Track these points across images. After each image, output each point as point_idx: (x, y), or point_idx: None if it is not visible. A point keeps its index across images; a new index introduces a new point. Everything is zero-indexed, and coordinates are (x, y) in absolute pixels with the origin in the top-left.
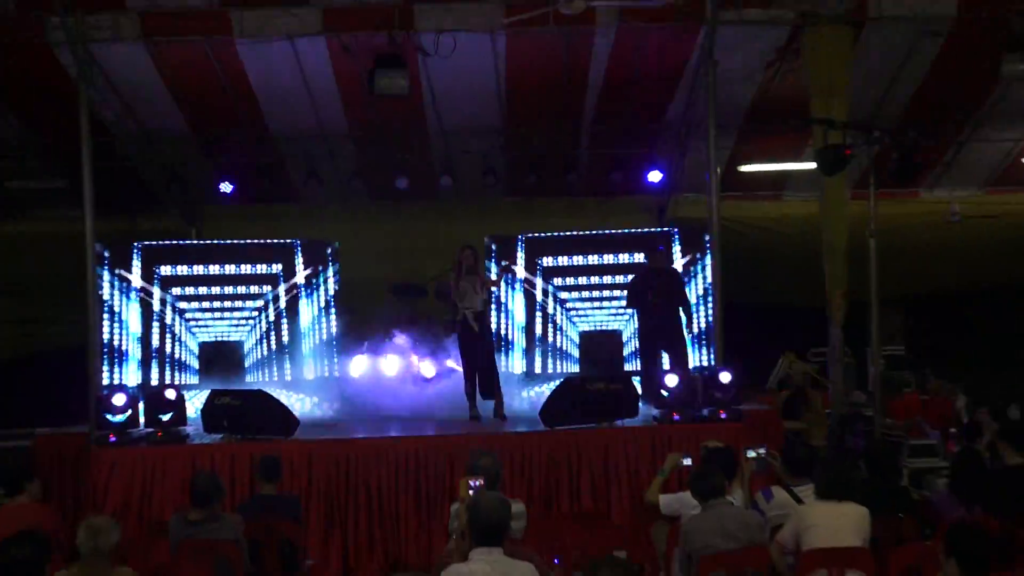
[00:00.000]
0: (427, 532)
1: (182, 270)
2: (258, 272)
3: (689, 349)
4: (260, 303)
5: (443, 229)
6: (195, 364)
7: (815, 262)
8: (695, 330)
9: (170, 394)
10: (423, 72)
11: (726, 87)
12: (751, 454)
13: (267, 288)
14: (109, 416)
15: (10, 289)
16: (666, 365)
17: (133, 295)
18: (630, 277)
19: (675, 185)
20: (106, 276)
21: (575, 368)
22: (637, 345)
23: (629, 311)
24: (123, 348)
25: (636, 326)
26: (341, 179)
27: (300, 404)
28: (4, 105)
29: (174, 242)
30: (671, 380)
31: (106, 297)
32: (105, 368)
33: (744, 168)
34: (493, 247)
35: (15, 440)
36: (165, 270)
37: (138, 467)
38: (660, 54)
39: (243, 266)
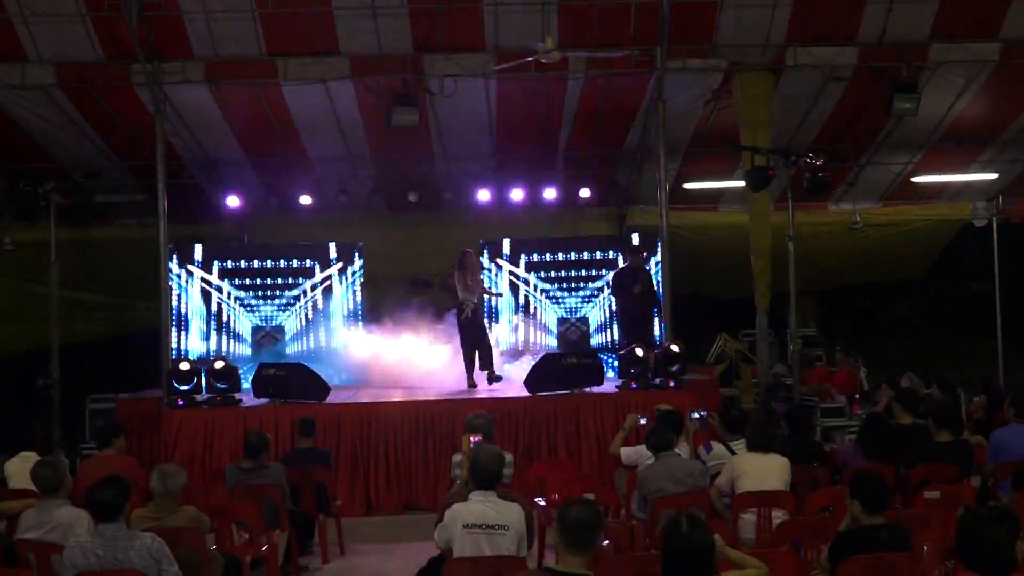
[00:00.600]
0: (435, 477)
1: (237, 266)
2: (297, 267)
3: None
4: (299, 291)
5: (445, 234)
6: (248, 340)
7: (745, 261)
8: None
9: (225, 367)
10: (430, 108)
11: (673, 120)
12: (695, 415)
13: (305, 281)
14: (177, 384)
15: (103, 281)
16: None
17: (197, 286)
18: (610, 273)
19: (632, 199)
20: (175, 270)
21: (553, 344)
22: (618, 326)
23: (607, 299)
24: (190, 328)
25: (616, 311)
26: (364, 193)
27: (331, 374)
28: (96, 134)
29: (231, 245)
30: (640, 352)
31: (176, 288)
32: (175, 344)
33: (688, 185)
34: (486, 249)
35: (105, 403)
36: (225, 265)
37: (200, 426)
38: (620, 94)
39: (286, 262)
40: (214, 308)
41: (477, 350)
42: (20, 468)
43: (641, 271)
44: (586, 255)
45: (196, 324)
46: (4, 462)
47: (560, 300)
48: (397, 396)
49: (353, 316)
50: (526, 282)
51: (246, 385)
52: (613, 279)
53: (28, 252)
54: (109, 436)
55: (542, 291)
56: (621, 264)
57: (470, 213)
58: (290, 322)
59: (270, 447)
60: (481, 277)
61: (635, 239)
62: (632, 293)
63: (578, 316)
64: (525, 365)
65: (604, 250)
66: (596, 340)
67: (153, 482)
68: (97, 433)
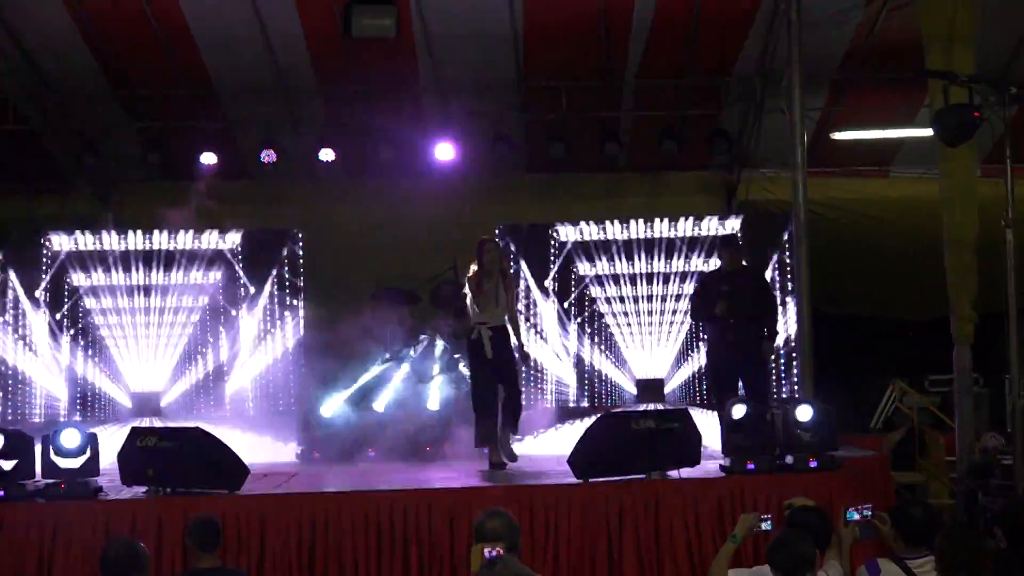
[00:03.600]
0: None
1: (93, 264)
2: (196, 273)
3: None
4: (196, 313)
5: (441, 215)
6: (112, 394)
7: (932, 260)
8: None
9: (73, 435)
10: (414, 8)
11: (814, 31)
12: (852, 516)
13: (205, 295)
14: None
15: None
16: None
17: (30, 302)
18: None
19: (748, 158)
20: None
21: (623, 400)
22: (705, 371)
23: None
24: (19, 372)
25: (705, 347)
26: (307, 149)
27: (250, 446)
28: None
29: (85, 232)
30: (738, 412)
31: None
32: None
33: (838, 136)
34: (509, 243)
35: None
36: (77, 277)
37: (34, 530)
38: None
39: (176, 270)
40: (58, 336)
41: (496, 405)
42: None
43: (738, 277)
44: (668, 247)
45: (28, 365)
46: None
47: (622, 325)
48: (359, 481)
49: (286, 351)
50: (581, 305)
51: (109, 463)
52: (692, 295)
53: None
54: None
55: (598, 315)
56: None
57: (479, 181)
58: (182, 363)
59: (147, 567)
60: (518, 288)
61: (729, 225)
62: (714, 315)
63: (650, 352)
64: (566, 432)
65: (699, 242)
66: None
67: None
68: None
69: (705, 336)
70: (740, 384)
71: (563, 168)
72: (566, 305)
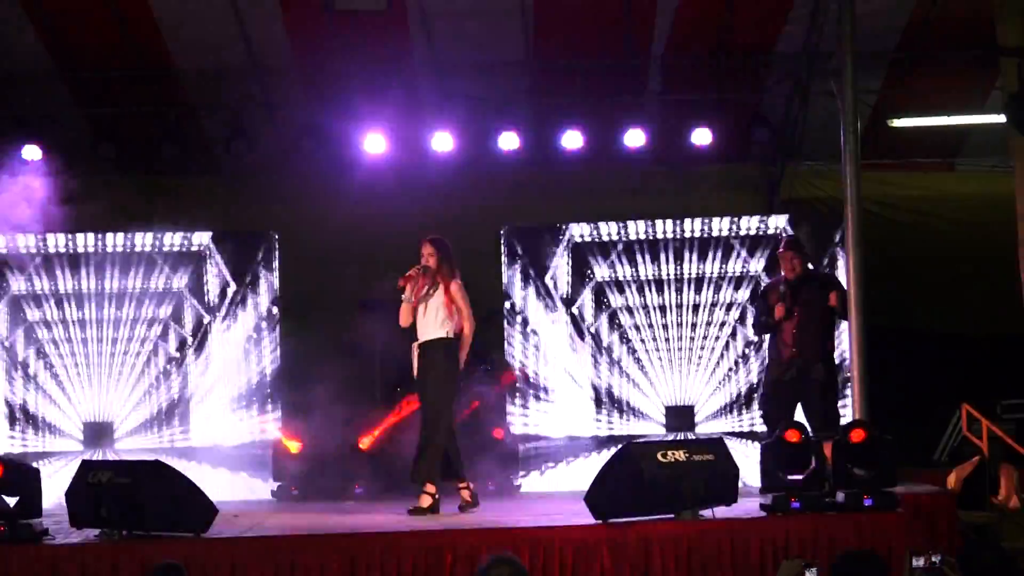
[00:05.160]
0: None
1: (40, 283)
2: (157, 281)
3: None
4: (156, 329)
5: (439, 214)
6: (57, 421)
7: (1004, 266)
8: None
9: (15, 469)
10: None
11: (869, 2)
12: (917, 564)
13: (167, 307)
14: None
15: None
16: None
17: None
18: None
19: (792, 149)
20: None
21: (651, 428)
22: (761, 394)
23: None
24: None
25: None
26: (283, 139)
27: (218, 483)
28: None
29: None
30: (787, 440)
31: None
32: None
33: (896, 123)
34: (516, 245)
35: None
36: (16, 285)
37: None
38: None
39: (133, 277)
40: None
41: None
42: None
43: (805, 283)
44: (700, 251)
45: None
46: None
47: (647, 341)
48: (341, 521)
49: (259, 372)
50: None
51: (53, 502)
52: (756, 306)
53: None
54: None
55: (611, 319)
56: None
57: (481, 174)
58: (138, 386)
59: None
60: (451, 288)
61: (772, 225)
62: (769, 323)
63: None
64: (581, 466)
65: (734, 245)
66: (712, 418)
67: None
68: None
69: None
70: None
71: (578, 160)
72: (581, 319)
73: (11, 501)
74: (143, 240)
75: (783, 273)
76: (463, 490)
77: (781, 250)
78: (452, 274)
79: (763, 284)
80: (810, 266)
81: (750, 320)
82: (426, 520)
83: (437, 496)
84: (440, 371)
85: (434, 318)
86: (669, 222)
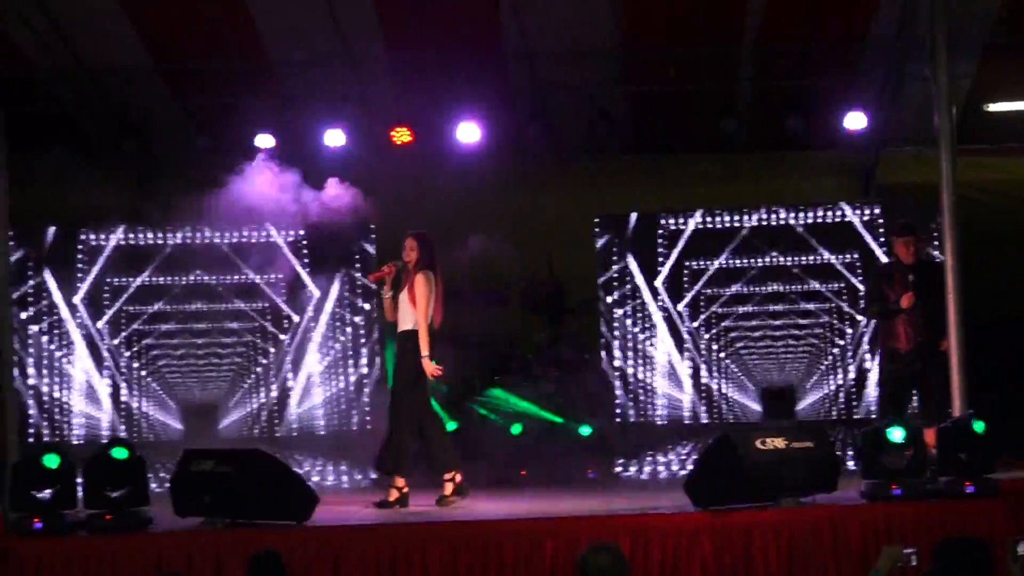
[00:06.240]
0: None
1: (143, 277)
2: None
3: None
4: (258, 320)
5: (532, 204)
6: (162, 413)
7: None
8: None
9: (121, 455)
10: None
11: None
12: (1020, 550)
13: (267, 299)
14: (34, 491)
15: None
16: None
17: (68, 308)
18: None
19: (886, 135)
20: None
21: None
22: (881, 381)
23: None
24: (52, 390)
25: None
26: (376, 129)
27: (320, 471)
28: None
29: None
30: (896, 428)
31: (27, 313)
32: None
33: (993, 107)
34: (610, 234)
35: None
36: (120, 280)
37: (77, 567)
38: None
39: (231, 269)
40: (99, 348)
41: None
42: None
43: (921, 269)
44: (795, 237)
45: (64, 381)
46: None
47: (743, 330)
48: (442, 512)
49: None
50: (675, 291)
51: (157, 490)
52: (867, 290)
53: None
54: None
55: (709, 307)
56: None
57: (576, 164)
58: (240, 376)
59: None
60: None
61: (867, 212)
62: (893, 308)
63: (778, 360)
64: (681, 454)
65: (829, 234)
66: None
67: None
68: None
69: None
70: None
71: (672, 148)
72: (679, 308)
73: (120, 491)
74: (242, 234)
75: (900, 258)
76: (447, 482)
77: (898, 235)
78: (425, 266)
79: (876, 269)
80: (929, 251)
81: (844, 306)
82: (524, 509)
83: (405, 490)
84: (406, 363)
85: (406, 310)
86: (764, 208)
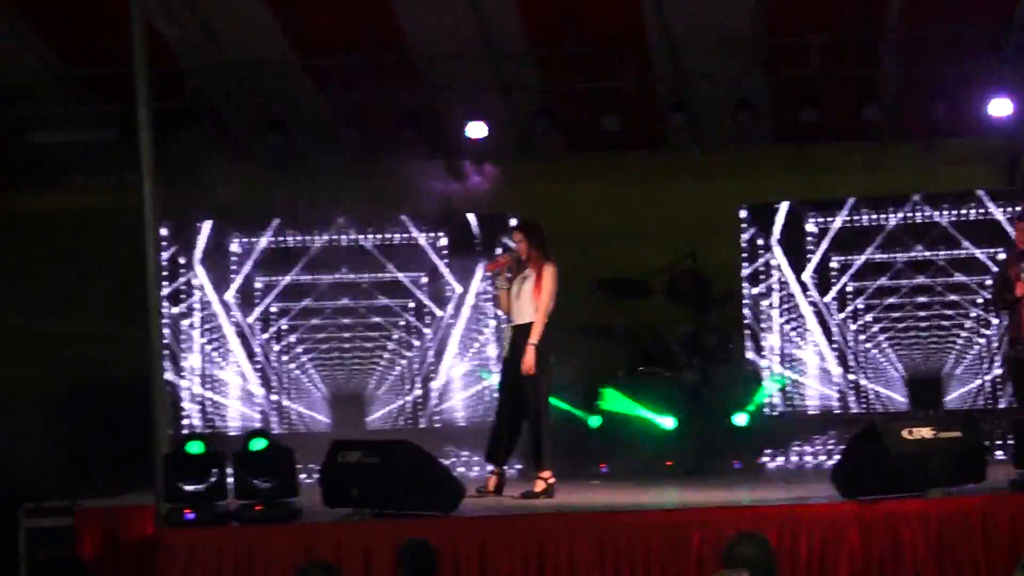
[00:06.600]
0: None
1: (291, 274)
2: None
3: None
4: (403, 316)
5: (674, 194)
6: (309, 405)
7: None
8: None
9: (271, 449)
10: None
11: None
12: None
13: (408, 297)
14: (184, 483)
15: (43, 294)
16: None
17: (221, 304)
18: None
19: None
20: (176, 269)
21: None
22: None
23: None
24: (204, 383)
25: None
26: (520, 120)
27: (465, 463)
28: (26, 24)
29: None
30: None
31: (177, 308)
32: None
33: None
34: (754, 224)
35: (53, 519)
36: (268, 276)
37: (228, 557)
38: None
39: (375, 253)
40: (248, 340)
41: (504, 416)
42: None
43: None
44: (939, 227)
45: (213, 372)
46: None
47: (890, 321)
48: (594, 496)
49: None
50: (822, 283)
51: (307, 478)
52: (995, 279)
53: None
54: None
55: (856, 299)
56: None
57: (718, 154)
58: (385, 368)
59: None
60: (544, 272)
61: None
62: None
63: (925, 350)
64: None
65: (974, 227)
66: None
67: None
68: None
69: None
70: None
71: (815, 138)
72: (823, 295)
73: (269, 482)
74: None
75: (1019, 245)
76: (540, 480)
77: (1019, 219)
78: (546, 258)
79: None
80: None
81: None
82: (673, 499)
83: (552, 481)
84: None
85: (528, 302)
86: (909, 204)
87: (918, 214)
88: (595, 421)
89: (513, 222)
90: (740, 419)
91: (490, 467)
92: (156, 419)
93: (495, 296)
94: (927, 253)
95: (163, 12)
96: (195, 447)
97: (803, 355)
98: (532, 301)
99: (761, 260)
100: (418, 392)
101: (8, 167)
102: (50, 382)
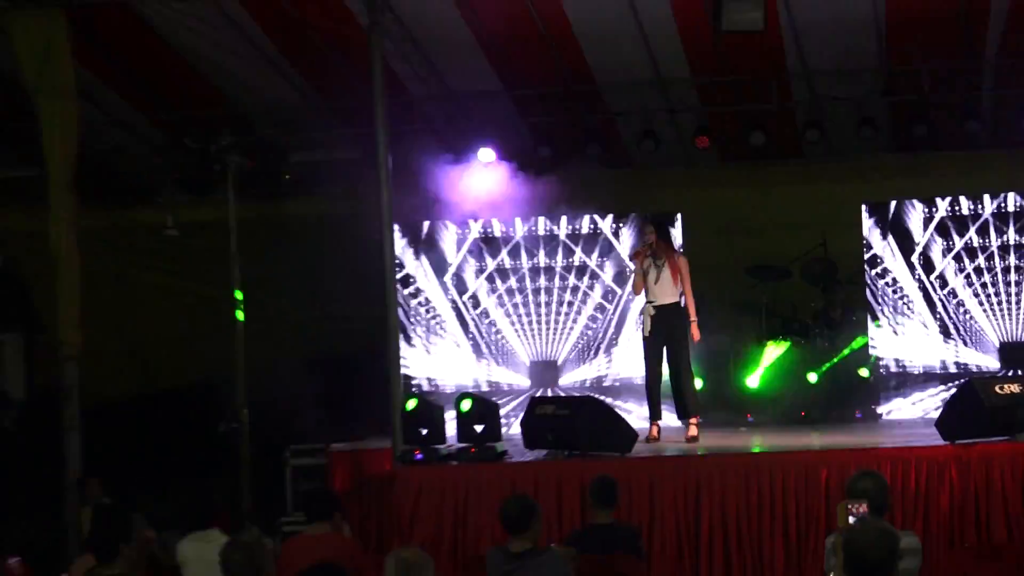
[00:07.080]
0: (797, 570)
1: (495, 255)
2: (590, 257)
3: None
4: (588, 296)
5: (807, 194)
6: (513, 367)
7: None
8: None
9: (480, 403)
10: (781, 1)
11: None
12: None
13: (589, 276)
14: (416, 428)
15: (301, 280)
16: None
17: (434, 285)
18: None
19: None
20: (409, 259)
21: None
22: None
23: None
24: (429, 351)
25: None
26: (683, 137)
27: (640, 413)
28: (285, 61)
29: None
30: None
31: (408, 290)
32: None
33: None
34: (876, 217)
35: (311, 458)
36: (476, 262)
37: (449, 490)
38: None
39: (571, 248)
40: (462, 313)
41: (651, 383)
42: (199, 552)
43: None
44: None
45: (433, 340)
46: (176, 542)
47: (990, 294)
48: (742, 440)
49: None
50: (926, 265)
51: (510, 430)
52: None
53: (199, 240)
54: (322, 507)
55: (956, 277)
56: None
57: (845, 161)
58: (573, 337)
59: (540, 520)
60: (680, 262)
61: None
62: None
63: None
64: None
65: None
66: None
67: (388, 574)
68: (304, 502)
69: None
70: None
71: (924, 148)
72: (932, 278)
73: (479, 429)
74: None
75: None
76: (693, 425)
77: None
78: (676, 249)
79: None
80: None
81: None
82: (804, 442)
83: (699, 422)
84: (681, 329)
85: (669, 285)
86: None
87: (1010, 206)
88: (754, 381)
89: (648, 218)
90: (863, 372)
91: (650, 421)
92: (392, 380)
93: (633, 279)
94: (1018, 239)
95: (397, 53)
96: (420, 403)
97: (912, 325)
98: (672, 286)
99: (878, 247)
100: (603, 357)
101: (275, 182)
102: (309, 352)
